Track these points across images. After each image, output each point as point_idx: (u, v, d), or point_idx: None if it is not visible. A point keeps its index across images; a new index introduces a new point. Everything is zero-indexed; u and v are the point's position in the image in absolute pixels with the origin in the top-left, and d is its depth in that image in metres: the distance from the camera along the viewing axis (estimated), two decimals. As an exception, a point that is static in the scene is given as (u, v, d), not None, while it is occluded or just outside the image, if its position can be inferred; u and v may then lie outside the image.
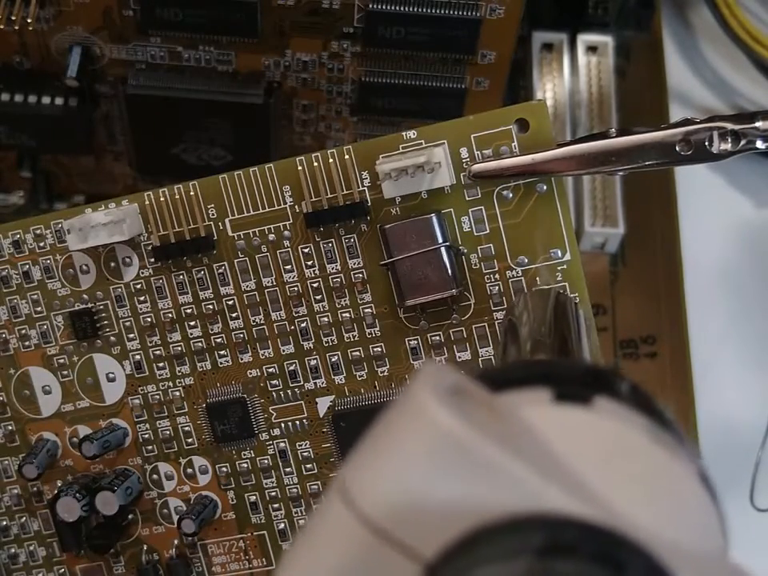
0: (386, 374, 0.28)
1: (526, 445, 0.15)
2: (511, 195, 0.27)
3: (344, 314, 0.28)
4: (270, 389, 0.29)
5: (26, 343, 0.30)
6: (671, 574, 0.13)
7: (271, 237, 0.28)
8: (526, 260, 0.27)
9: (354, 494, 0.15)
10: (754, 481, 0.34)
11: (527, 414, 0.16)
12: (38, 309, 0.30)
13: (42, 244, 0.29)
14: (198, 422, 0.30)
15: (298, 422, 0.29)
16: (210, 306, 0.29)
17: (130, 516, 0.31)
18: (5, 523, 0.31)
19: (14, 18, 0.32)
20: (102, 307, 0.29)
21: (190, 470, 0.30)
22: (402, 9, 0.32)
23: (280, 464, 0.29)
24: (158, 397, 0.30)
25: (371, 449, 0.15)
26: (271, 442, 0.29)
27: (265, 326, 0.29)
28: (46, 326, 0.30)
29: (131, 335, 0.29)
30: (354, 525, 0.15)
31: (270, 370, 0.29)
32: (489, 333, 0.28)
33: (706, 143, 0.24)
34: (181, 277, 0.29)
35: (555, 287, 0.27)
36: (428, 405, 0.15)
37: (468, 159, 0.27)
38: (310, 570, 0.15)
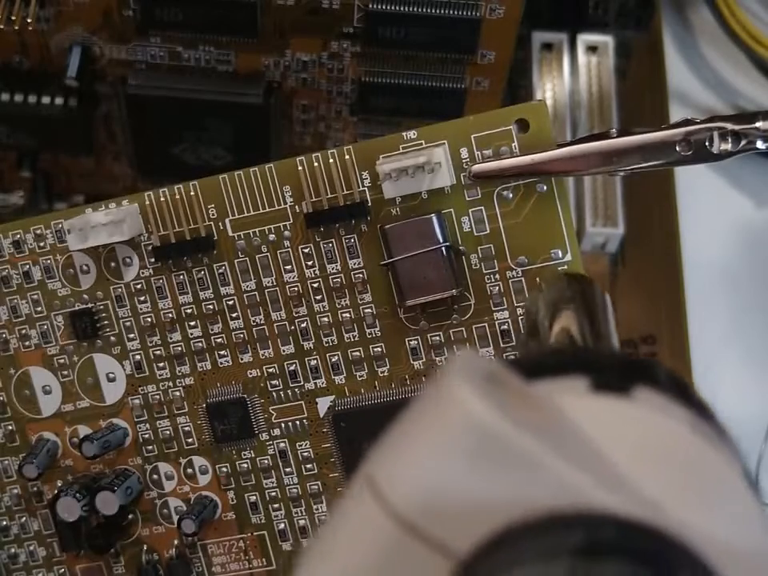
0: (386, 374, 0.28)
1: (564, 437, 0.14)
2: (511, 195, 0.27)
3: (344, 314, 0.28)
4: (270, 389, 0.29)
5: (27, 343, 0.30)
6: (719, 574, 0.13)
7: (271, 237, 0.28)
8: (527, 260, 0.27)
9: (383, 487, 0.14)
10: (757, 475, 0.34)
11: (564, 404, 0.15)
12: (39, 309, 0.30)
13: (42, 244, 0.29)
14: (198, 422, 0.30)
15: (298, 422, 0.29)
16: (210, 306, 0.29)
17: (130, 516, 0.31)
18: (5, 523, 0.31)
19: (13, 17, 0.32)
20: (102, 307, 0.29)
21: (190, 470, 0.30)
22: (401, 9, 0.32)
23: (280, 464, 0.29)
24: (158, 397, 0.30)
25: (401, 440, 0.15)
26: (271, 442, 0.29)
27: (265, 326, 0.29)
28: (46, 326, 0.30)
29: (131, 335, 0.29)
30: (384, 519, 0.14)
31: (270, 370, 0.29)
32: (489, 333, 0.28)
33: (707, 143, 0.24)
34: (181, 277, 0.29)
35: (566, 272, 0.26)
36: (462, 394, 0.14)
37: (468, 159, 0.27)
38: (337, 567, 0.14)
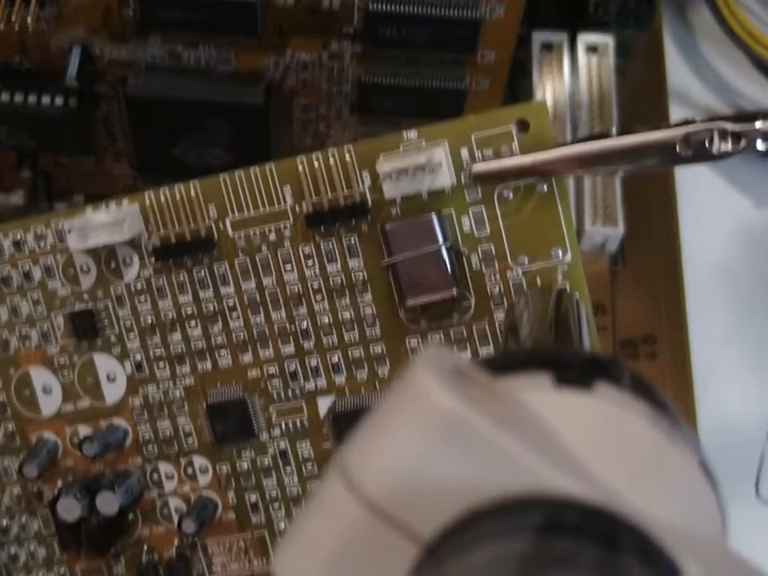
0: (386, 374, 0.28)
1: (526, 426, 0.15)
2: (512, 195, 0.27)
3: (344, 314, 0.28)
4: (270, 389, 0.29)
5: (27, 343, 0.30)
6: (669, 556, 0.13)
7: (272, 237, 0.28)
8: (527, 260, 0.27)
9: (354, 474, 0.15)
10: (759, 473, 0.34)
11: (528, 397, 0.16)
12: (39, 309, 0.30)
13: (42, 244, 0.29)
14: (199, 422, 0.30)
15: (298, 422, 0.29)
16: (211, 306, 0.29)
17: (130, 516, 0.31)
18: (5, 523, 0.31)
19: (14, 18, 0.32)
20: (102, 307, 0.29)
21: (190, 470, 0.30)
22: (402, 9, 0.32)
23: (280, 464, 0.29)
24: (158, 397, 0.30)
25: (372, 429, 0.15)
26: (271, 442, 0.29)
27: (265, 326, 0.29)
28: (46, 326, 0.30)
29: (131, 335, 0.29)
30: (355, 505, 0.15)
31: (271, 370, 0.29)
32: (489, 333, 0.28)
33: (706, 143, 0.24)
34: (181, 277, 0.29)
35: (557, 285, 0.27)
36: (428, 385, 0.15)
37: (468, 159, 0.27)
38: (309, 551, 0.15)
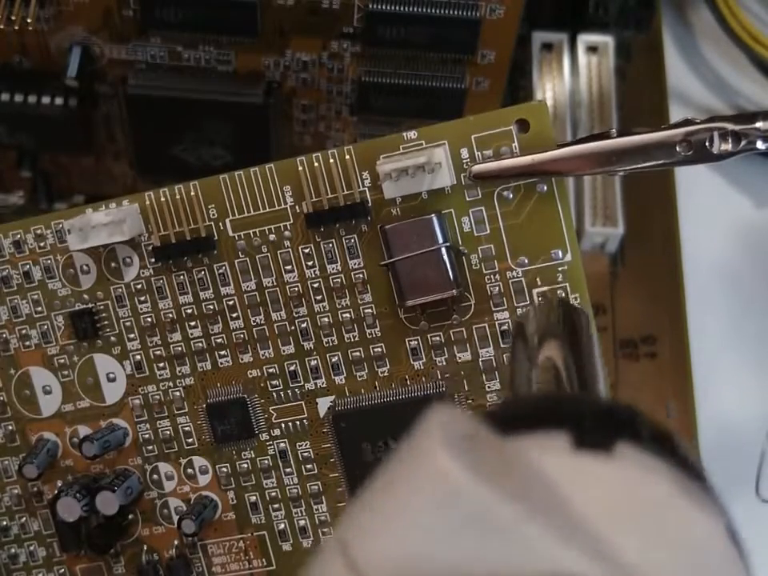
0: (386, 374, 0.28)
1: (542, 501, 0.14)
2: (512, 196, 0.27)
3: (344, 315, 0.28)
4: (270, 389, 0.29)
5: (27, 343, 0.30)
6: None
7: (272, 237, 0.28)
8: (527, 260, 0.27)
9: (357, 556, 0.14)
10: (759, 472, 0.34)
11: (543, 464, 0.15)
12: (39, 309, 0.30)
13: (42, 244, 0.29)
14: (198, 422, 0.30)
15: (298, 423, 0.29)
16: (211, 306, 0.29)
17: (130, 516, 0.31)
18: (5, 523, 0.31)
19: (13, 18, 0.32)
20: (102, 307, 0.29)
21: (190, 470, 0.30)
22: (402, 9, 0.32)
23: (280, 464, 0.29)
24: (158, 397, 0.30)
25: (375, 505, 0.15)
26: (271, 443, 0.29)
27: (265, 326, 0.29)
28: (46, 326, 0.30)
29: (131, 335, 0.29)
30: None
31: (271, 370, 0.29)
32: (489, 333, 0.28)
33: (707, 144, 0.24)
34: (181, 277, 0.29)
35: (560, 297, 0.27)
36: (437, 458, 0.14)
37: (468, 160, 0.27)
38: None
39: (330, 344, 0.28)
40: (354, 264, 0.28)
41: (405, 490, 0.14)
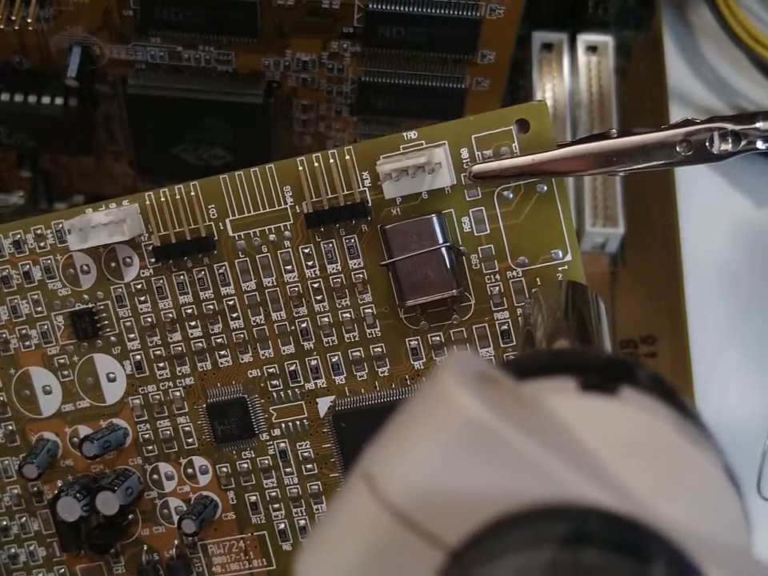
0: (386, 374, 0.28)
1: (551, 433, 0.15)
2: (512, 196, 0.27)
3: (344, 315, 0.28)
4: (270, 389, 0.29)
5: (27, 343, 0.30)
6: (696, 565, 0.13)
7: (272, 237, 0.28)
8: (527, 260, 0.27)
9: (379, 481, 0.15)
10: (761, 470, 0.34)
11: (552, 403, 0.16)
12: (39, 309, 0.30)
13: (42, 244, 0.29)
14: (199, 422, 0.30)
15: (298, 422, 0.29)
16: (211, 306, 0.29)
17: (130, 516, 0.31)
18: (5, 523, 0.31)
19: (13, 18, 0.32)
20: (102, 307, 0.29)
21: (190, 470, 0.30)
22: (402, 9, 0.32)
23: (280, 464, 0.29)
24: (158, 397, 0.30)
25: (397, 435, 0.15)
26: (271, 442, 0.29)
27: (265, 326, 0.29)
28: (46, 326, 0.30)
29: (132, 335, 0.29)
30: (379, 512, 0.15)
31: (271, 370, 0.29)
32: (489, 333, 0.28)
33: (707, 144, 0.24)
34: (181, 277, 0.29)
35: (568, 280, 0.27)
36: (454, 391, 0.15)
37: (468, 160, 0.27)
38: (333, 557, 0.15)
39: (330, 344, 0.28)
40: (354, 264, 0.28)
41: (424, 422, 0.15)
